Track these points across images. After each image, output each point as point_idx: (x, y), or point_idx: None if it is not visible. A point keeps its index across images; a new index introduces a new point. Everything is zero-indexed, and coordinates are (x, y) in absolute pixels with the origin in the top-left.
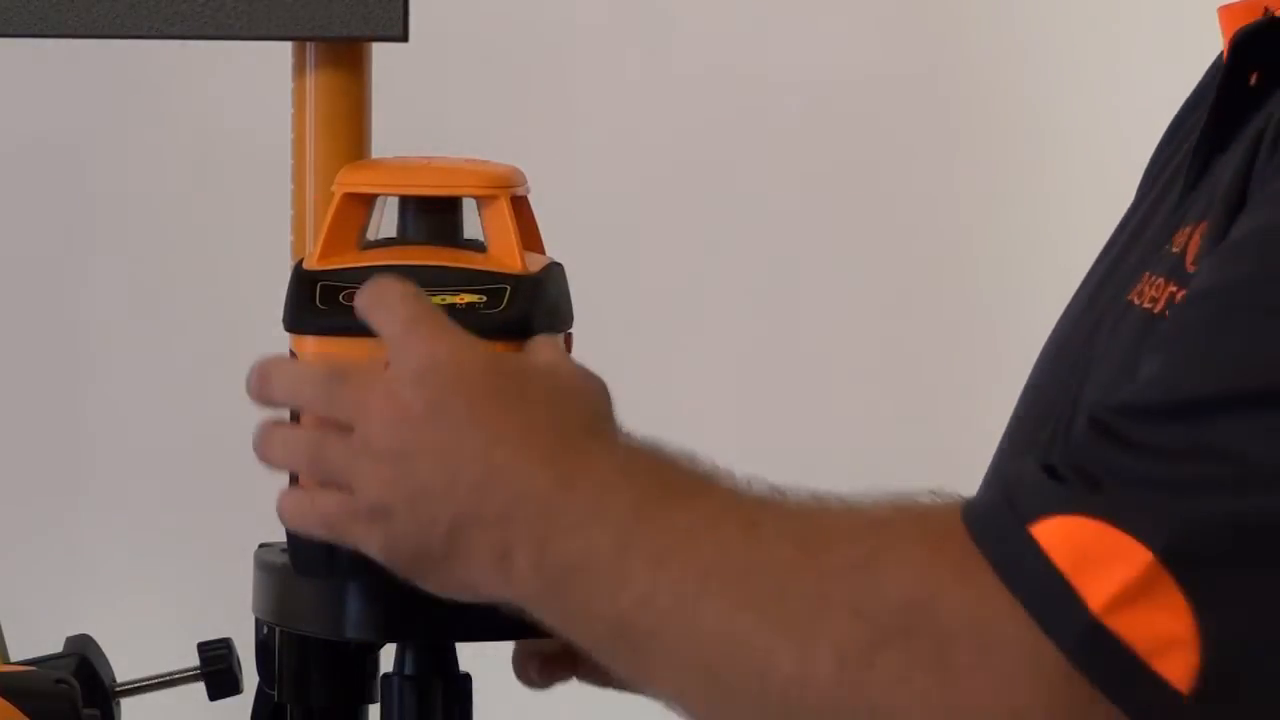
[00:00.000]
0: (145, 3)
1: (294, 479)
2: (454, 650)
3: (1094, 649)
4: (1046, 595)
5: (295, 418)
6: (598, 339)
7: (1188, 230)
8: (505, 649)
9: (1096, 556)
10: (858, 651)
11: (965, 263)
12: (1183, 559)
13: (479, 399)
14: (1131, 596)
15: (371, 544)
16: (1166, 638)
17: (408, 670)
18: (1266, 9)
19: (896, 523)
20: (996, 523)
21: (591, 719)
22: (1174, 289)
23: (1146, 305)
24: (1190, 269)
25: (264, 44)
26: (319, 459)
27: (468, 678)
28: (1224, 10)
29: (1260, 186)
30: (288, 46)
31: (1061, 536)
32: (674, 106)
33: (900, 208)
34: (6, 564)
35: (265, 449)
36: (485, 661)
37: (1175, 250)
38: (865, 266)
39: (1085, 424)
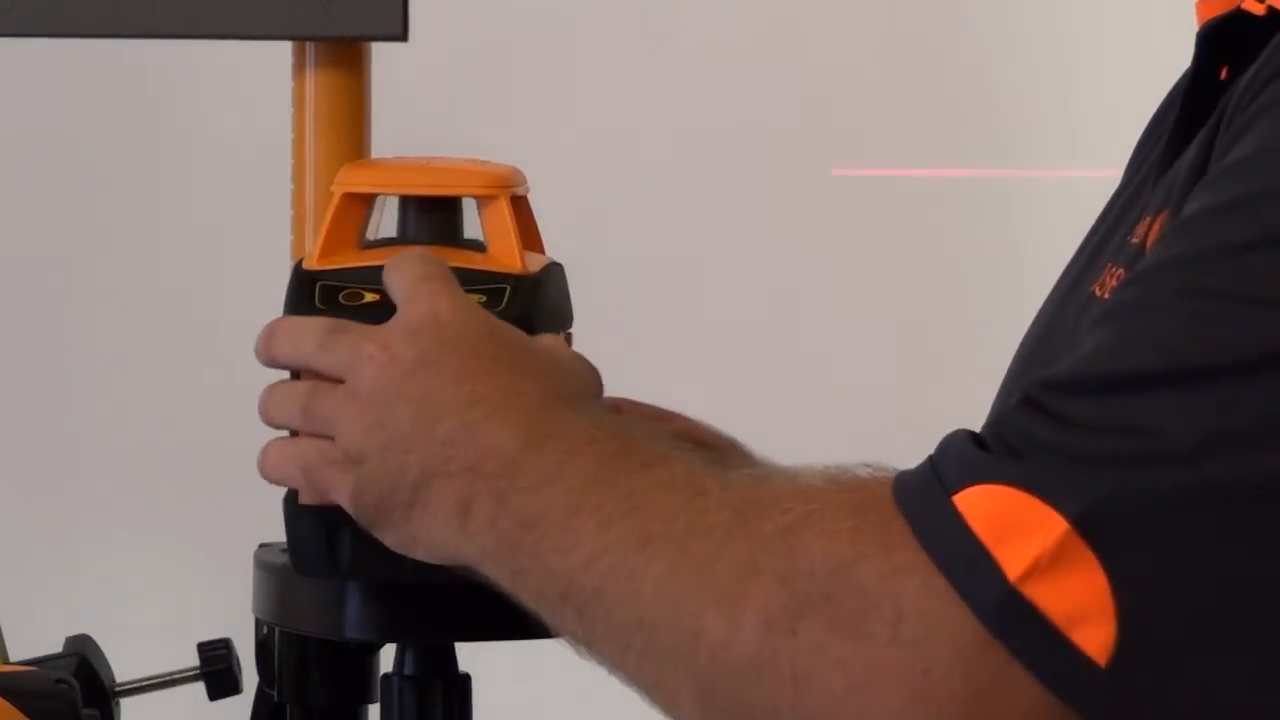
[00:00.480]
0: (145, 3)
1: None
2: (454, 650)
3: (1011, 617)
4: (965, 562)
5: (297, 378)
6: (598, 339)
7: (1148, 220)
8: (505, 649)
9: (1015, 525)
10: (781, 617)
11: (966, 263)
12: (1098, 529)
13: (470, 359)
14: (1048, 565)
15: (343, 489)
16: (1083, 608)
17: (408, 670)
18: (1238, 4)
19: (828, 491)
20: (921, 491)
21: (590, 719)
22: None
23: (1106, 296)
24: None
25: (264, 44)
26: (310, 409)
27: (468, 678)
28: (1201, 3)
29: (1213, 167)
30: (288, 46)
31: (982, 505)
32: (674, 106)
33: (901, 208)
34: (6, 564)
35: (265, 408)
36: (485, 661)
37: (1135, 241)
38: (866, 267)
39: (1017, 399)
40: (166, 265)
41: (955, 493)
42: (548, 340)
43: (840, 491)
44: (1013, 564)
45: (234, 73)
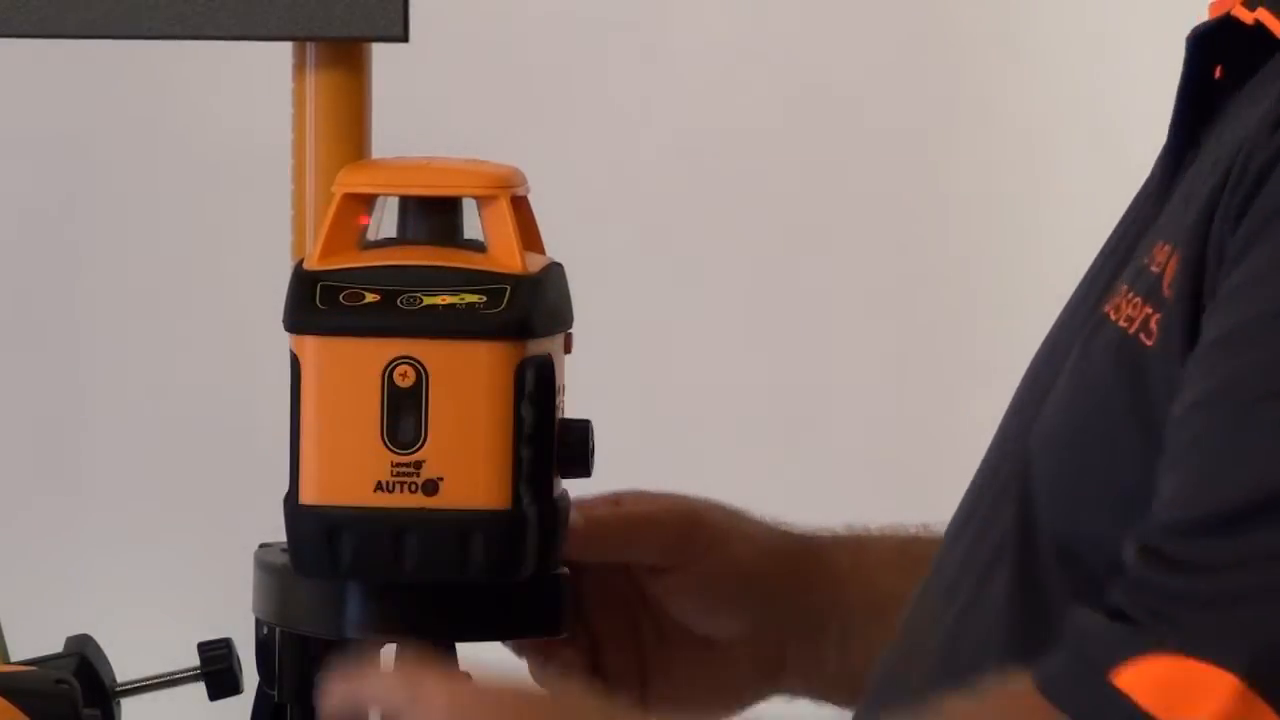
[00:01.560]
0: (145, 3)
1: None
2: (454, 650)
3: None
4: None
5: None
6: (598, 339)
7: (1167, 249)
8: (505, 649)
9: (1183, 692)
10: None
11: (966, 264)
12: (1267, 675)
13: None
14: None
15: None
16: None
17: None
18: (1228, 11)
19: (980, 713)
20: (1078, 682)
21: None
22: (1150, 311)
23: (1123, 324)
24: (1167, 293)
25: (264, 44)
26: None
27: (468, 678)
28: (1211, 9)
29: (1220, 270)
30: (288, 46)
31: (1145, 679)
32: (674, 106)
33: (901, 209)
34: (6, 564)
35: None
36: (485, 662)
37: (1155, 270)
38: (866, 268)
39: (1134, 554)
40: (166, 265)
41: (1112, 673)
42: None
43: (993, 709)
44: None
45: (234, 73)
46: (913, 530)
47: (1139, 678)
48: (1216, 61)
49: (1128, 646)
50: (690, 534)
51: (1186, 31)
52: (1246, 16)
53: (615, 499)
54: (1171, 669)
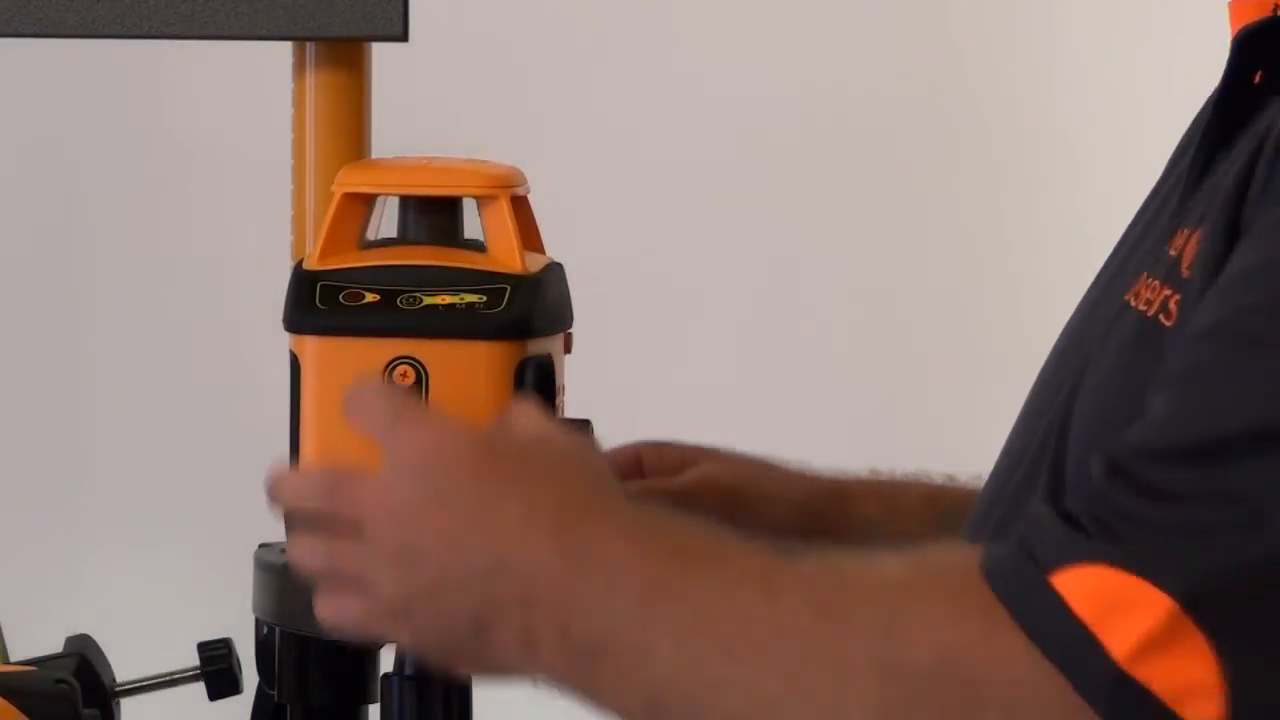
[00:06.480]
0: (145, 3)
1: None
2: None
3: (1121, 699)
4: (1071, 647)
5: None
6: (598, 339)
7: (1185, 233)
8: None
9: (1118, 605)
10: (889, 713)
11: (966, 264)
12: (1204, 605)
13: (476, 484)
14: (1155, 645)
15: (402, 640)
16: (1192, 685)
17: (408, 670)
18: (1275, 6)
19: (915, 582)
20: (1017, 575)
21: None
22: (1169, 293)
23: (1141, 307)
24: (1185, 274)
25: (264, 44)
26: (335, 566)
27: (468, 678)
28: (1234, 5)
29: (1257, 210)
30: (288, 46)
31: (1083, 586)
32: (674, 106)
33: (901, 210)
34: (6, 564)
35: (293, 554)
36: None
37: (1173, 254)
38: (866, 268)
39: (1101, 467)
40: (167, 265)
41: (1053, 574)
42: (531, 424)
43: (927, 579)
44: (1118, 645)
45: (234, 73)
46: (938, 480)
47: (1077, 583)
48: (1258, 64)
49: (1073, 552)
50: (729, 507)
51: (1201, 32)
52: None
53: (637, 454)
54: (1111, 581)
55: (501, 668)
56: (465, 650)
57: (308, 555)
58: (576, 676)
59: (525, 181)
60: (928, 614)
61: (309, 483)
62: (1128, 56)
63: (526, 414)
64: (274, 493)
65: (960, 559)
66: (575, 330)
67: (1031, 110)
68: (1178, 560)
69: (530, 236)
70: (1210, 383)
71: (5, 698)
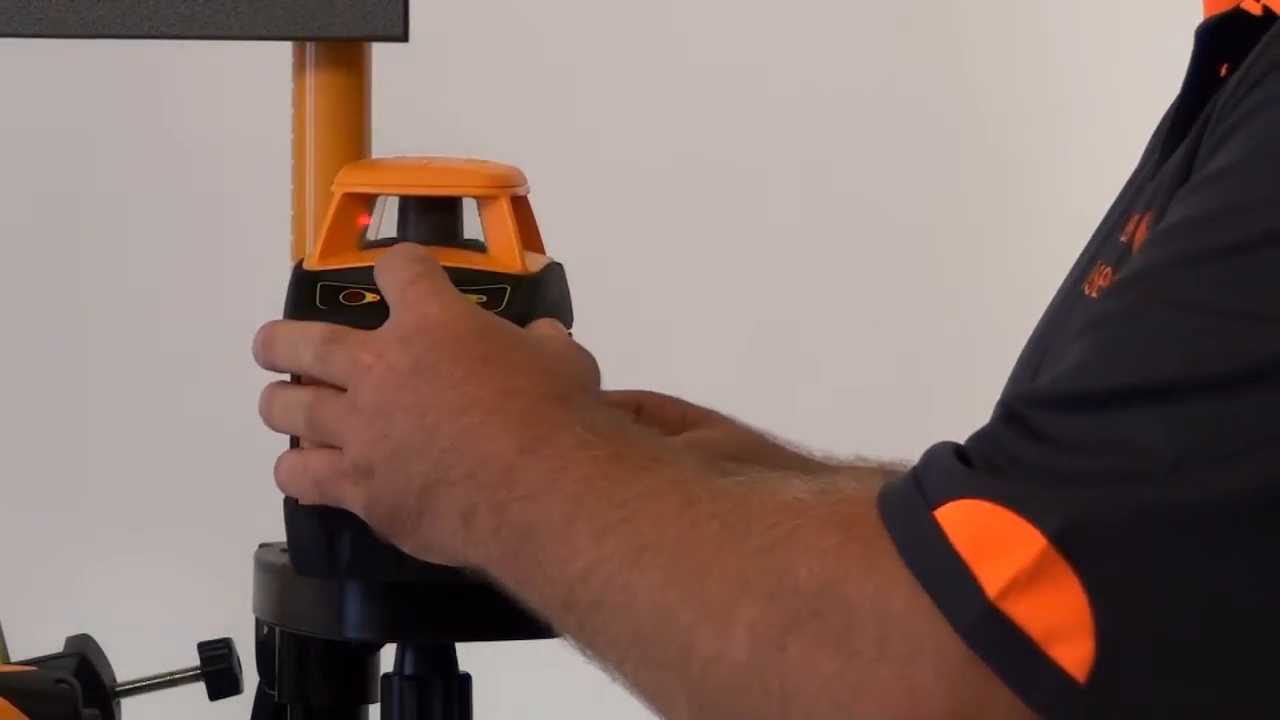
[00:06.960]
0: (145, 3)
1: (295, 443)
2: (454, 650)
3: (991, 634)
4: (946, 579)
5: (298, 381)
6: (598, 339)
7: (1136, 218)
8: (505, 649)
9: (995, 541)
10: (770, 633)
11: (967, 264)
12: (1076, 545)
13: (463, 360)
14: (1027, 582)
15: (356, 502)
16: (1062, 625)
17: (408, 670)
18: (1237, 3)
19: (815, 506)
20: (904, 506)
21: (591, 719)
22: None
23: (1094, 295)
24: (1135, 256)
25: (264, 44)
26: (314, 419)
27: (468, 678)
28: (1208, 1)
29: (1197, 172)
30: (288, 46)
31: (963, 520)
32: (674, 106)
33: (901, 211)
34: (6, 564)
35: (268, 413)
36: (485, 661)
37: (1124, 240)
38: (866, 268)
39: (999, 411)
40: (166, 265)
41: (937, 507)
42: (543, 328)
43: (826, 505)
44: (992, 580)
45: (234, 73)
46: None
47: (957, 516)
48: (1223, 58)
49: (957, 486)
50: None
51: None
52: (1254, 7)
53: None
54: (988, 516)
55: (439, 545)
56: (410, 521)
57: (291, 407)
58: (504, 560)
59: (525, 181)
60: (818, 539)
61: (305, 337)
62: (1127, 56)
63: (543, 323)
64: (267, 347)
65: (863, 489)
66: (575, 330)
67: (1032, 110)
68: (1056, 500)
69: (530, 236)
70: (1116, 335)
71: (5, 698)
